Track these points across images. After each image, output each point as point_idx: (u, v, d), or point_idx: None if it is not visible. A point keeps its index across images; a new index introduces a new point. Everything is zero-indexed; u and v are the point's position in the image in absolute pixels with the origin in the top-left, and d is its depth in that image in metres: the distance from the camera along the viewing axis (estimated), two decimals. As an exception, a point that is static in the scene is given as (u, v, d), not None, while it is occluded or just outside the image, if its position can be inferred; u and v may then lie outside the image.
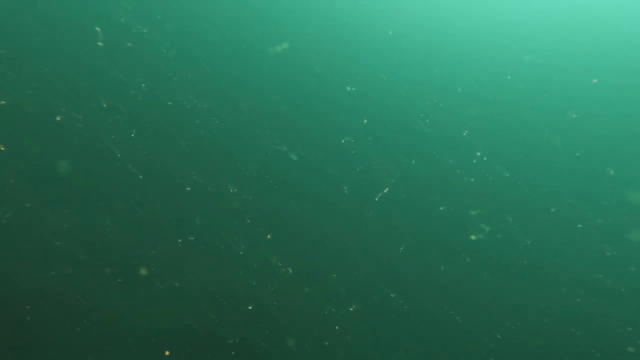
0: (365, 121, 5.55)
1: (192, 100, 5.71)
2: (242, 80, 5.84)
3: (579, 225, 5.72)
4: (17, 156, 5.35)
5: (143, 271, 5.46)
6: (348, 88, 5.81)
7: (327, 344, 5.57)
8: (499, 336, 5.64)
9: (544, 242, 5.74)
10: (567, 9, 5.90)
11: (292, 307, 5.58)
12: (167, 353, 5.38)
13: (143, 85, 5.60)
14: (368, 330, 5.68)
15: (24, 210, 5.31)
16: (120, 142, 5.55)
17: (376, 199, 5.66)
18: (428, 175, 5.82)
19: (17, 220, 5.28)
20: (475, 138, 5.86)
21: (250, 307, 5.54)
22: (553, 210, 5.77)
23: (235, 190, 5.61)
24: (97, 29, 5.42)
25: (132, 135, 5.56)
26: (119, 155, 5.51)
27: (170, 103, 5.68)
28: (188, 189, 5.62)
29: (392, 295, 5.66)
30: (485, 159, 5.85)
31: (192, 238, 5.57)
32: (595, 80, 5.75)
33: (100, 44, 5.32)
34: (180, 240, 5.54)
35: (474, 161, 5.84)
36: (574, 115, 5.83)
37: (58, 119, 5.44)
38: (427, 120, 5.92)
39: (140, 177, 5.52)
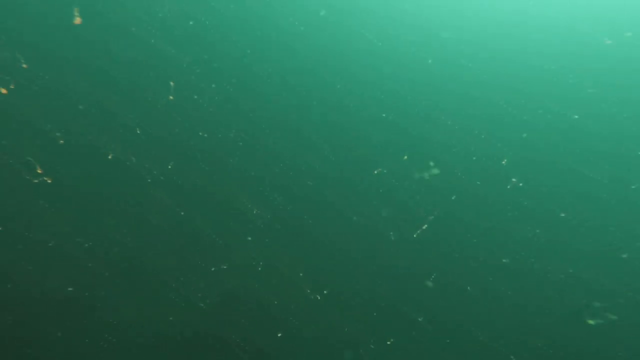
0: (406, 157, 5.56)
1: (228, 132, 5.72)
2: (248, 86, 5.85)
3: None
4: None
5: (146, 275, 5.47)
6: (384, 114, 5.84)
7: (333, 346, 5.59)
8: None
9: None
10: (568, 10, 5.90)
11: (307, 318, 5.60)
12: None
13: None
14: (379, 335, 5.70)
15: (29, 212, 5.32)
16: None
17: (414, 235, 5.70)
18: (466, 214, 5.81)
19: (21, 221, 5.30)
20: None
21: (253, 310, 5.55)
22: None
23: (255, 210, 5.63)
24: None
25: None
26: (123, 152, 5.52)
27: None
28: (190, 190, 5.63)
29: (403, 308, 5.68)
30: (521, 184, 5.86)
31: (193, 239, 5.58)
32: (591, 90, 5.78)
33: None
34: (183, 242, 5.56)
35: (508, 187, 5.84)
36: (575, 116, 5.84)
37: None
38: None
39: (149, 180, 5.53)
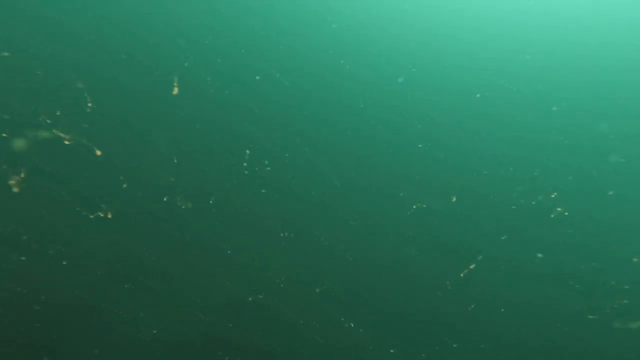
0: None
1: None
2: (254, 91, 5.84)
3: None
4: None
5: (151, 279, 5.46)
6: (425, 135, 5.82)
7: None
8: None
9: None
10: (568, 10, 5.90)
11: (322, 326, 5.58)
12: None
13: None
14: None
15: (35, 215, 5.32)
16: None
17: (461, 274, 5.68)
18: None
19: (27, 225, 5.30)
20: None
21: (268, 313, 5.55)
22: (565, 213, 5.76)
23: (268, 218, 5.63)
24: None
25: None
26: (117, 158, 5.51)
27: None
28: (210, 200, 5.62)
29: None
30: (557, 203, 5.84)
31: (200, 245, 5.58)
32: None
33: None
34: (189, 249, 5.55)
35: (534, 203, 5.82)
36: (554, 108, 5.83)
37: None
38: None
39: (155, 183, 5.53)
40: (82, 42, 5.60)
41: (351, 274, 5.78)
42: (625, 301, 5.64)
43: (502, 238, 5.75)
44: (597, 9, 5.82)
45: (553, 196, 5.72)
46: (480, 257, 5.78)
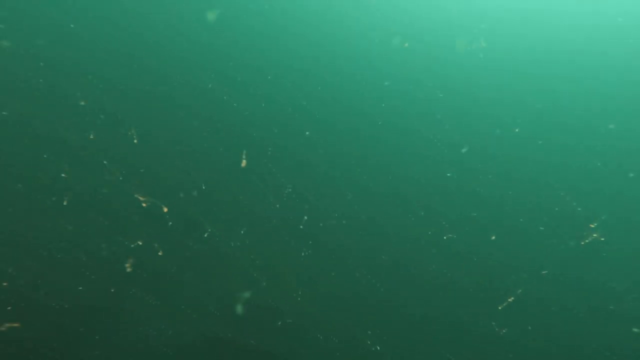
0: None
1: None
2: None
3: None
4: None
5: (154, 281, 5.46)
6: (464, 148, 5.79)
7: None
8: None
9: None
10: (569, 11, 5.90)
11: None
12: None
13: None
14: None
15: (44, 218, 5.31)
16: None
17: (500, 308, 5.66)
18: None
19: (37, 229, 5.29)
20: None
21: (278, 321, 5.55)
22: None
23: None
24: None
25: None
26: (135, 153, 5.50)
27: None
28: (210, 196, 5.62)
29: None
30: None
31: (205, 245, 5.57)
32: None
33: None
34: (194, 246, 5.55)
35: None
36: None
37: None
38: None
39: (162, 183, 5.53)
40: (82, 42, 5.59)
41: (357, 275, 5.78)
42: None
43: (543, 272, 5.76)
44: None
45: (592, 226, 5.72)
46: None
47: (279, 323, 5.59)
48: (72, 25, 5.56)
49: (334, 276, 5.76)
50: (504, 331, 5.55)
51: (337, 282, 5.75)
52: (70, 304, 5.29)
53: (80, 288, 5.35)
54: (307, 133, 5.84)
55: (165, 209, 5.55)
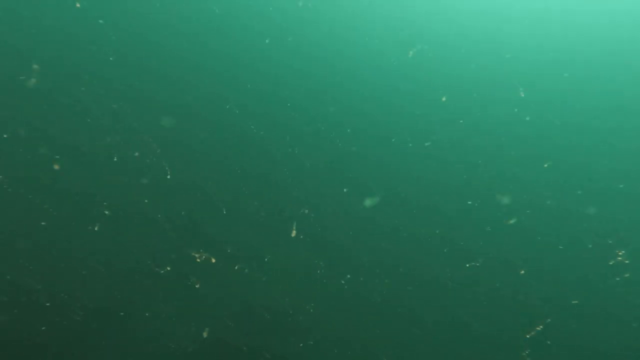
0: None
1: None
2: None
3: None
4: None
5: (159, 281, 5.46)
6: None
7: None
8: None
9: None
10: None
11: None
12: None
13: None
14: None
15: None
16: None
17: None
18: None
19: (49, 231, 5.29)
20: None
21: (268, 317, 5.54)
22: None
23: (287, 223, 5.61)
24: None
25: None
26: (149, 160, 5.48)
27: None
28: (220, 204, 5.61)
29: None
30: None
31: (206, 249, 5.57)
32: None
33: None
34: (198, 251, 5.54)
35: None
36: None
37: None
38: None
39: (168, 184, 5.51)
40: (81, 41, 5.55)
41: (372, 277, 5.78)
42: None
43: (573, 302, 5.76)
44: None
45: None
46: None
47: (285, 326, 5.59)
48: (70, 24, 5.52)
49: (337, 276, 5.75)
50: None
51: (339, 282, 5.74)
52: (77, 307, 5.29)
53: (87, 291, 5.34)
54: (305, 133, 5.82)
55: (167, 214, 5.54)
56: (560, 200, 5.72)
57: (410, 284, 5.81)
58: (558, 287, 5.70)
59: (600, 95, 5.77)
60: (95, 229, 5.41)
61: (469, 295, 5.74)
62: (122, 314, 5.38)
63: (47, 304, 5.25)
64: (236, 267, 5.65)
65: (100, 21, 5.50)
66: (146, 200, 5.51)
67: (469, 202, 5.77)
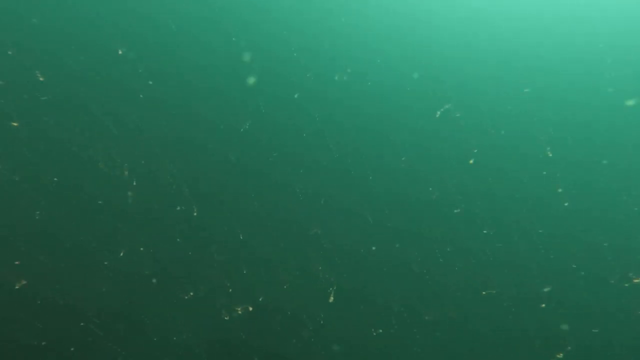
0: None
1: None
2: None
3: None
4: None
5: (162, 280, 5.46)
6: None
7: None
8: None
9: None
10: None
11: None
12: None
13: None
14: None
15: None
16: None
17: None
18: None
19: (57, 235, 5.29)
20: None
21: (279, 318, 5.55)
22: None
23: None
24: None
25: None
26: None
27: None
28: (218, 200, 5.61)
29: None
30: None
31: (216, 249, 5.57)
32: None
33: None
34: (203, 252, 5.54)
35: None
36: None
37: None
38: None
39: (175, 187, 5.50)
40: (81, 41, 5.54)
41: (373, 276, 5.77)
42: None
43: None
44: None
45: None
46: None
47: (287, 326, 5.58)
48: (69, 23, 5.51)
49: (338, 276, 5.75)
50: None
51: (343, 283, 5.74)
52: (82, 308, 5.29)
53: (91, 292, 5.34)
54: (304, 134, 5.81)
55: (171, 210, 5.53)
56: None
57: (414, 284, 5.81)
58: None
59: None
60: (95, 228, 5.40)
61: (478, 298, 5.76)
62: (124, 314, 5.38)
63: (47, 304, 5.25)
64: (239, 267, 5.65)
65: (101, 21, 5.50)
66: (146, 200, 5.50)
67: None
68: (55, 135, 5.39)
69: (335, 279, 5.72)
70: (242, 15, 5.76)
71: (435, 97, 5.87)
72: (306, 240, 5.75)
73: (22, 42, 5.38)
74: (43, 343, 5.19)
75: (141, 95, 5.58)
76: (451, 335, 5.79)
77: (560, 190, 5.78)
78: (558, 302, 5.71)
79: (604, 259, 5.72)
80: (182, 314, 5.48)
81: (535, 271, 5.74)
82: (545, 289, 5.68)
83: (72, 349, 5.27)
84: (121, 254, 5.42)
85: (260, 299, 5.60)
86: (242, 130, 5.74)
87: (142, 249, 5.46)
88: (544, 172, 5.81)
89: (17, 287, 5.15)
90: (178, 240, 5.53)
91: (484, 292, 5.66)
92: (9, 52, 5.32)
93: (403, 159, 5.84)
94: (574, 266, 5.69)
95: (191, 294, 5.51)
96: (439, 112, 5.86)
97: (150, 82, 5.59)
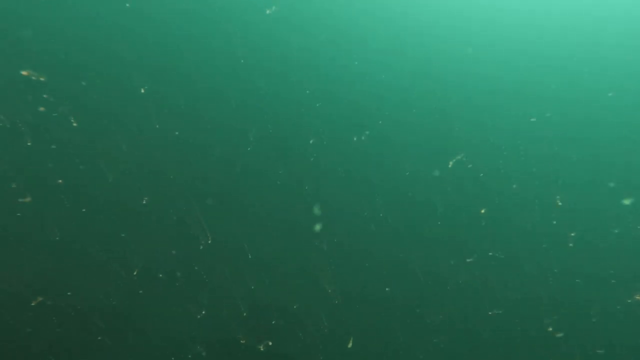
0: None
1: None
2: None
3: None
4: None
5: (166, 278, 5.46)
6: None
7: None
8: None
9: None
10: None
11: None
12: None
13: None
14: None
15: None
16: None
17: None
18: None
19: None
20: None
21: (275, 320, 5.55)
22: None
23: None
24: None
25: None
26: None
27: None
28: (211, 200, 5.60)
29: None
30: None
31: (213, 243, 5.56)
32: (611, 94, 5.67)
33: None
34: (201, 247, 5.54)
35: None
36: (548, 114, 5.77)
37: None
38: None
39: (175, 187, 5.50)
40: (81, 41, 5.54)
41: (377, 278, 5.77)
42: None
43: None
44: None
45: None
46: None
47: (288, 326, 5.58)
48: (69, 23, 5.50)
49: (338, 276, 5.75)
50: None
51: (340, 282, 5.74)
52: (81, 306, 5.29)
53: (91, 291, 5.33)
54: (309, 136, 5.81)
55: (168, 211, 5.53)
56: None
57: (416, 285, 5.81)
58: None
59: None
60: (95, 228, 5.40)
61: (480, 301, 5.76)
62: (124, 314, 5.38)
63: (51, 305, 5.25)
64: (240, 268, 5.65)
65: (101, 21, 5.49)
66: (147, 201, 5.50)
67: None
68: (56, 135, 5.39)
69: (336, 279, 5.72)
70: (243, 15, 5.76)
71: (436, 97, 5.87)
72: (306, 240, 5.75)
73: (22, 42, 5.38)
74: (43, 343, 5.19)
75: (142, 91, 5.58)
76: (451, 336, 5.79)
77: (560, 193, 5.78)
78: (558, 304, 5.71)
79: (606, 262, 5.72)
80: (182, 314, 5.48)
81: (535, 271, 5.74)
82: (546, 291, 5.69)
83: (72, 349, 5.27)
84: (121, 254, 5.42)
85: (260, 299, 5.60)
86: (242, 130, 5.74)
87: (142, 249, 5.46)
88: (544, 172, 5.81)
89: (18, 289, 5.16)
90: (178, 240, 5.53)
91: (484, 294, 5.67)
92: (9, 52, 5.32)
93: (404, 159, 5.84)
94: (574, 267, 5.69)
95: (191, 294, 5.51)
96: (438, 112, 5.86)
97: (150, 83, 5.60)
